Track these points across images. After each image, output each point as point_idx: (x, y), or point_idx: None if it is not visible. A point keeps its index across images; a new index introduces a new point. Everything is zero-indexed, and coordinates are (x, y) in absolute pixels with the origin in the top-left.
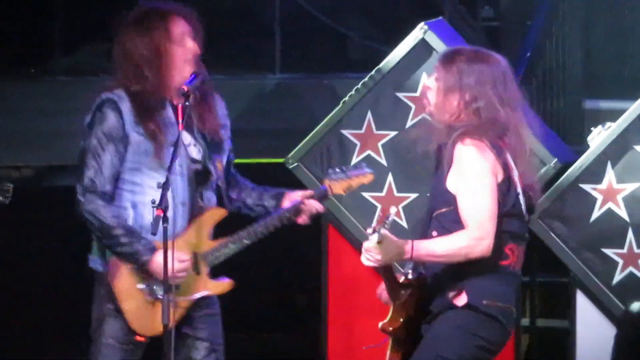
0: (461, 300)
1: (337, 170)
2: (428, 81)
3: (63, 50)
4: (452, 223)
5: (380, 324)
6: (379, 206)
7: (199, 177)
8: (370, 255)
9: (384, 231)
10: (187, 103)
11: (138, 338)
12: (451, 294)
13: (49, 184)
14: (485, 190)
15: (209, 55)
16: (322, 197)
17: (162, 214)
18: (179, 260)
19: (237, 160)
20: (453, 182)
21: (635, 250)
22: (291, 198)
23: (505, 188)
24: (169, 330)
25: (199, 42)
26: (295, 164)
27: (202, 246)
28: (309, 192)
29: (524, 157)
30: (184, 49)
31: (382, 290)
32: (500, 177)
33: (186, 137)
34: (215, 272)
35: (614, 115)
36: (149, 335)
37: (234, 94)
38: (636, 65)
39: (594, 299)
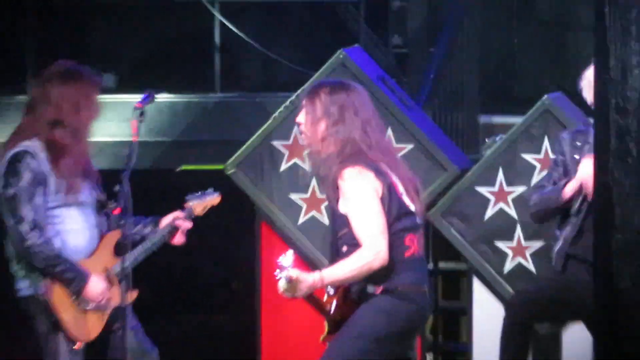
0: (379, 290)
1: (195, 195)
2: (299, 117)
3: (34, 72)
4: (354, 239)
5: (321, 338)
6: (304, 206)
7: (112, 202)
8: (288, 294)
9: (289, 274)
10: (140, 119)
11: (77, 345)
12: (370, 287)
13: None
14: (371, 209)
15: (159, 77)
16: (189, 216)
17: (120, 212)
18: (107, 290)
19: (183, 167)
20: (343, 207)
21: (523, 243)
22: (166, 220)
23: (388, 197)
24: (124, 312)
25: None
26: (233, 170)
27: (110, 263)
28: (180, 213)
29: (396, 163)
30: (90, 114)
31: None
32: (380, 191)
33: (82, 175)
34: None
35: (505, 128)
36: (84, 341)
37: (180, 111)
38: (523, 85)
39: (488, 285)
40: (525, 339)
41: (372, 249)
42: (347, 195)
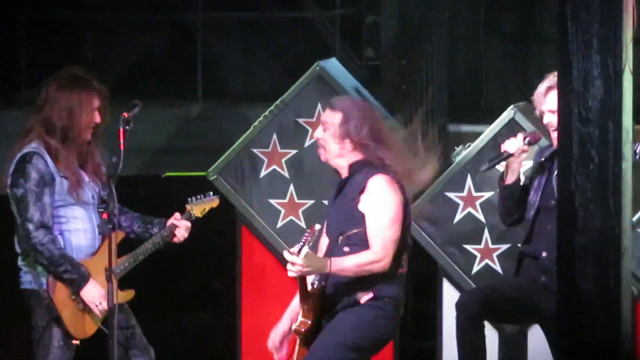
0: (367, 297)
1: (195, 198)
2: (317, 133)
3: (27, 84)
4: (363, 241)
5: (293, 327)
6: (283, 211)
7: (101, 207)
8: (296, 267)
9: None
10: (127, 127)
11: (74, 341)
12: (360, 294)
13: None
14: (394, 218)
15: (147, 88)
16: (188, 218)
17: (107, 217)
18: (102, 295)
19: (167, 174)
20: (364, 206)
21: (490, 246)
22: (169, 222)
23: (405, 211)
24: (113, 311)
25: (103, 115)
26: (215, 177)
27: (113, 263)
28: (179, 215)
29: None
30: (91, 118)
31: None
32: (403, 203)
33: (84, 176)
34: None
35: (472, 136)
36: (81, 338)
37: (166, 119)
38: (490, 96)
39: (457, 286)
40: (478, 336)
41: (381, 253)
42: (376, 196)
